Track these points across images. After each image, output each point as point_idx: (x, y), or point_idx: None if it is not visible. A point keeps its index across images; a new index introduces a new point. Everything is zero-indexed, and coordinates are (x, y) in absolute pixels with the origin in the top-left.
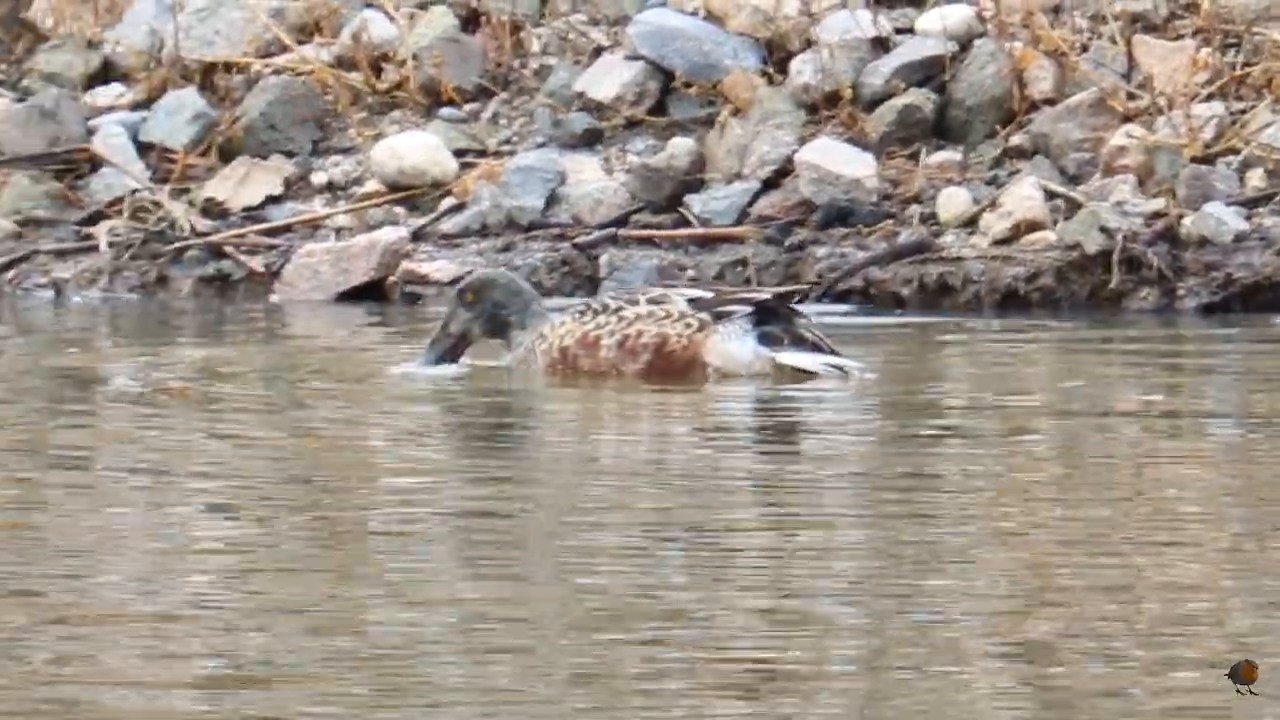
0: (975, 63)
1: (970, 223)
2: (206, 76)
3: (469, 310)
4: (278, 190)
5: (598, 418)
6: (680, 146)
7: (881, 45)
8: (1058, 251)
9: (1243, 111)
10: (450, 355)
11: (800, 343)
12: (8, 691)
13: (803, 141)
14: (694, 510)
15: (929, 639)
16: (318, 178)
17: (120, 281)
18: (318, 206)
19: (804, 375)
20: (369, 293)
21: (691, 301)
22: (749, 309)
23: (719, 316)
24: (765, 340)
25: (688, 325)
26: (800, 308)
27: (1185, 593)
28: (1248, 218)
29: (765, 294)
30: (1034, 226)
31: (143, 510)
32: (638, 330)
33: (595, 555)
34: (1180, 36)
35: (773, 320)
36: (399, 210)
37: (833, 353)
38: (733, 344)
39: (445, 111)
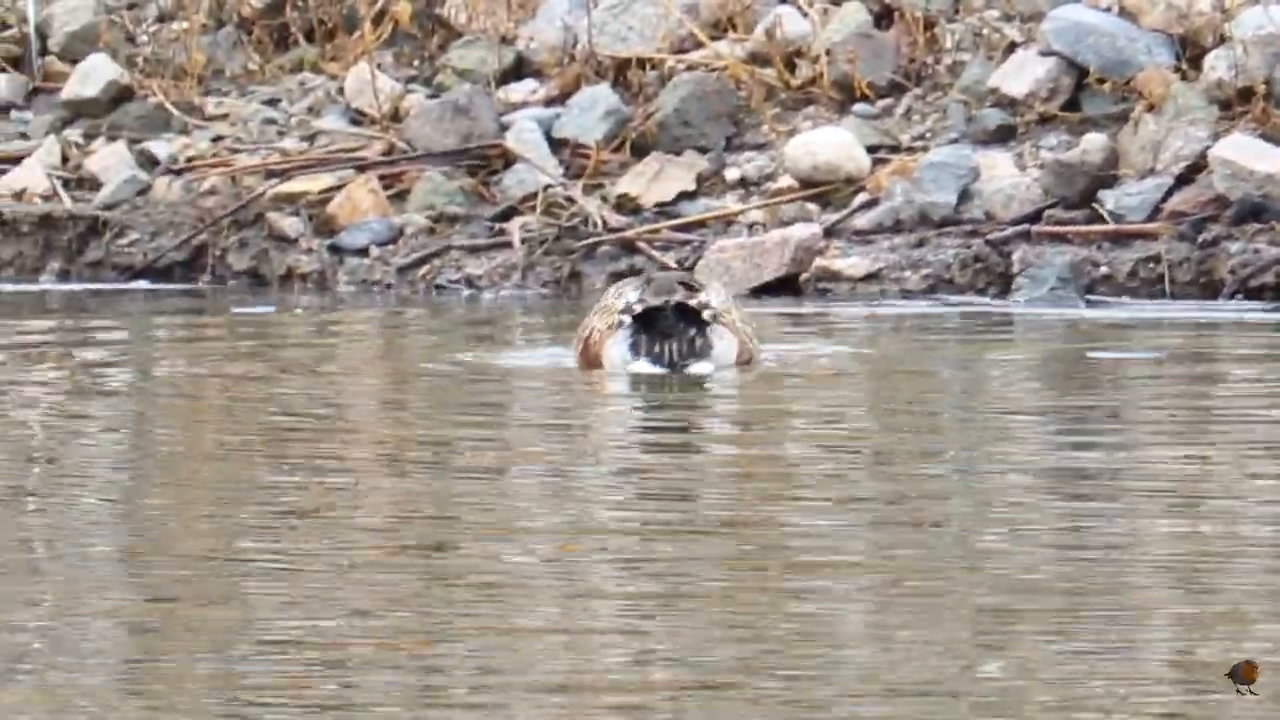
0: None
1: None
2: (620, 72)
3: None
4: (690, 186)
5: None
6: (1093, 142)
7: None
8: None
9: None
10: None
11: (655, 352)
12: None
13: (1216, 137)
14: None
15: None
16: (731, 174)
17: (533, 277)
18: (730, 202)
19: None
20: (782, 288)
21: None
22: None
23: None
24: (632, 347)
25: (607, 323)
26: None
27: None
28: None
29: (654, 301)
30: None
31: None
32: (588, 324)
33: None
34: None
35: (659, 323)
36: (812, 206)
37: (693, 357)
38: (613, 348)
39: (858, 107)
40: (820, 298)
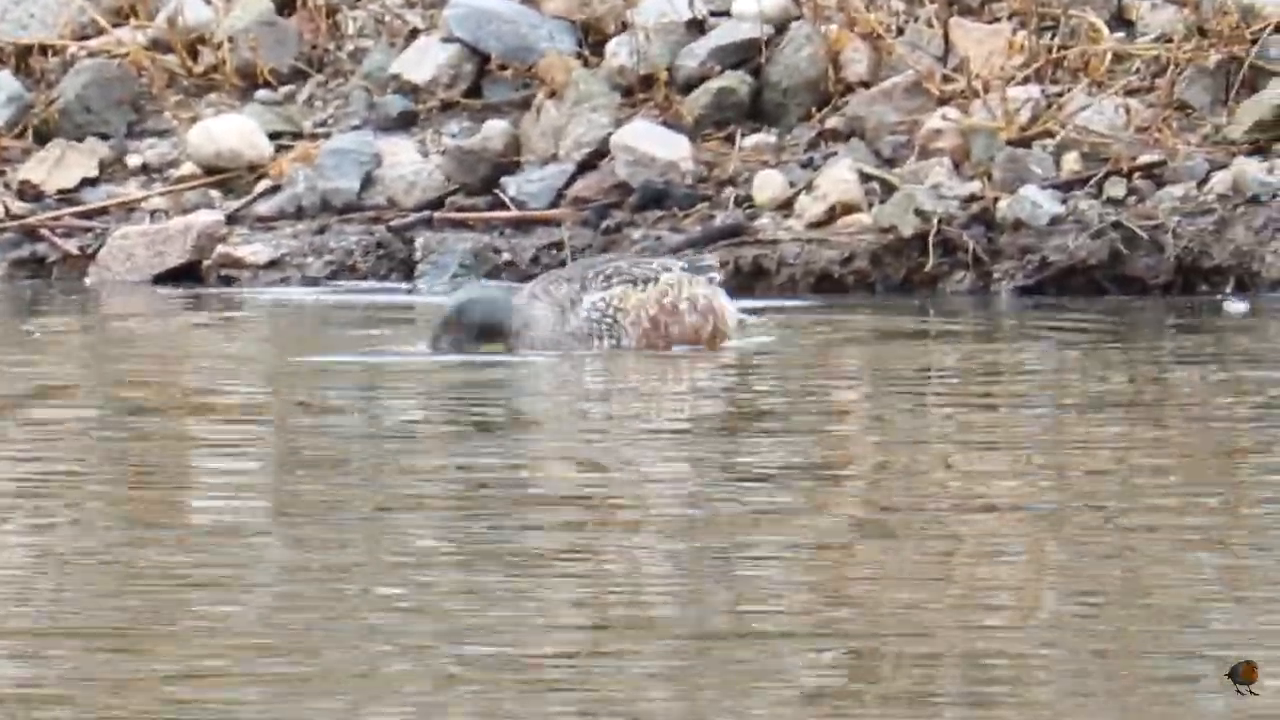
0: (790, 45)
1: (785, 206)
2: (22, 59)
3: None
4: (93, 173)
5: None
6: (495, 129)
7: (697, 28)
8: (873, 234)
9: (1059, 94)
10: None
11: None
12: None
13: (618, 124)
14: None
15: None
16: (133, 160)
17: None
18: (133, 189)
19: None
20: (184, 275)
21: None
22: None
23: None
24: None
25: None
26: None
27: None
28: (1063, 201)
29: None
30: (849, 209)
31: None
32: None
33: None
34: (997, 19)
35: None
36: (214, 193)
37: None
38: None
39: (261, 94)
40: (223, 285)
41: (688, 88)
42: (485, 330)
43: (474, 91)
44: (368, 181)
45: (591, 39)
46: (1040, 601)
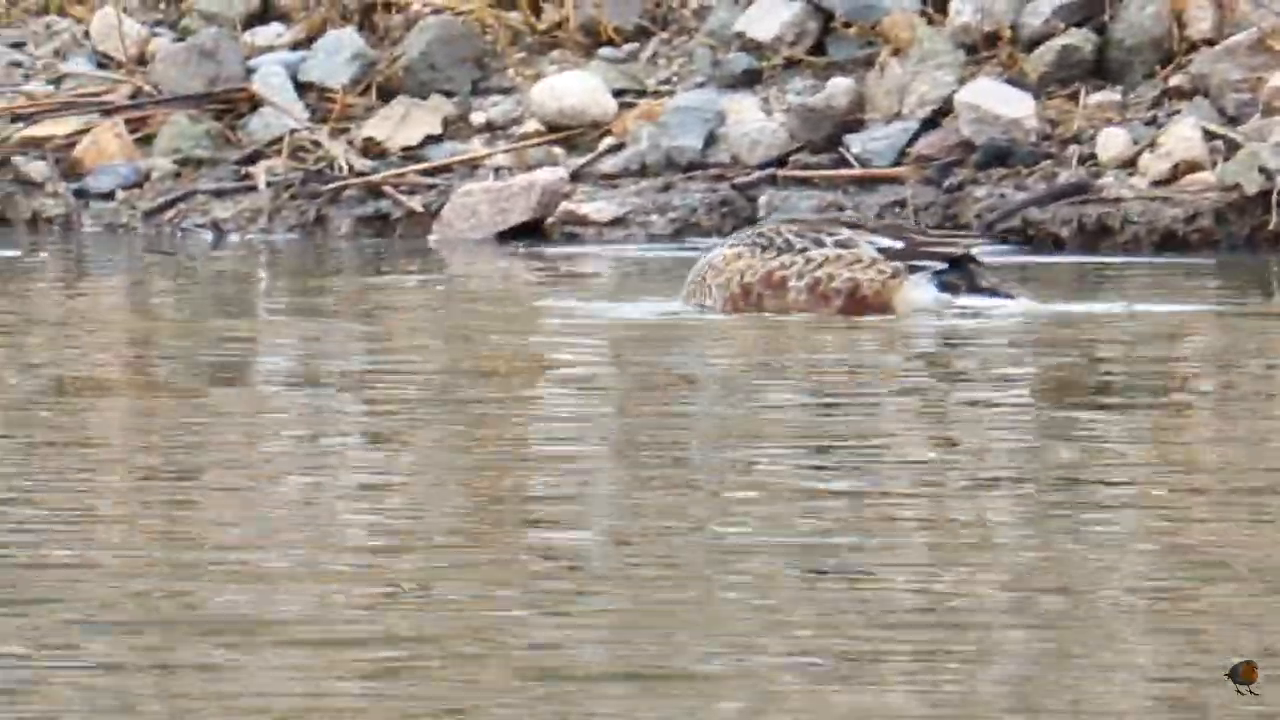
0: (1134, 3)
1: (1129, 163)
2: (366, 16)
3: None
4: (436, 130)
5: None
6: (839, 87)
7: None
8: (1217, 192)
9: None
10: None
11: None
12: None
13: (962, 82)
14: None
15: None
16: (477, 117)
17: (279, 221)
18: (476, 146)
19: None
20: (527, 232)
21: (881, 250)
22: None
23: (912, 268)
24: (944, 288)
25: (880, 272)
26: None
27: None
28: None
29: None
30: (1193, 167)
31: None
32: (829, 274)
33: None
34: None
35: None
36: (558, 150)
37: (1009, 297)
38: (917, 292)
39: (604, 51)
40: (567, 242)
41: (1031, 45)
42: None
43: (818, 49)
44: (711, 139)
45: None
46: None
